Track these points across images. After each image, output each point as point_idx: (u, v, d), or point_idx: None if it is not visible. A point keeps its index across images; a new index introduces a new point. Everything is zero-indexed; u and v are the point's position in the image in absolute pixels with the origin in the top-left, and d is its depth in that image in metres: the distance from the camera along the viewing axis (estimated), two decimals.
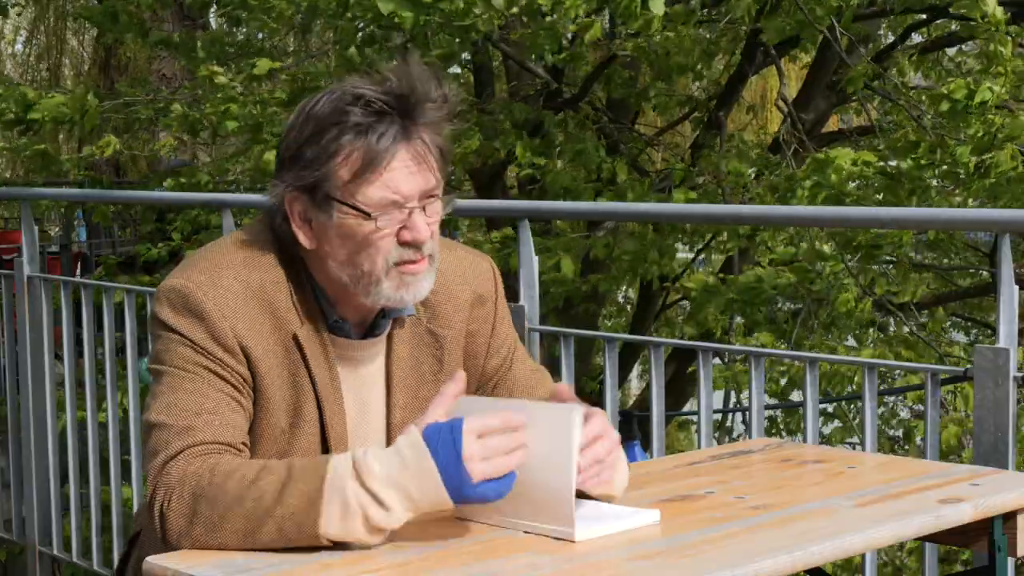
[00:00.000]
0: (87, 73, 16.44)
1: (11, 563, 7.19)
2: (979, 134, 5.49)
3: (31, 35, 18.34)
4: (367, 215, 1.91)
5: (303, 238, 1.96)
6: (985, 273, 8.40)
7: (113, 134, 7.98)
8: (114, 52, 14.94)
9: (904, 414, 9.08)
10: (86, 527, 4.71)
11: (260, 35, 8.75)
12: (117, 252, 9.00)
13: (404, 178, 1.92)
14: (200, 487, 1.79)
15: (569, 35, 7.35)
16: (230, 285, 1.94)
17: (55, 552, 4.72)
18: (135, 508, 4.34)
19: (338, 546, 1.76)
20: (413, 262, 1.95)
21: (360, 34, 7.03)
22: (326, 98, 1.94)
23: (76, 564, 4.69)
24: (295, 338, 1.96)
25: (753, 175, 7.10)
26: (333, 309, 2.00)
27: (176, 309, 1.93)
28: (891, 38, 8.65)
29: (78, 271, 10.87)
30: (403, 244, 1.94)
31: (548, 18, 6.26)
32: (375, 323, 2.04)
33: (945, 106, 5.42)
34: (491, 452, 1.76)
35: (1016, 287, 2.74)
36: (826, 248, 6.80)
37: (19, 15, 16.66)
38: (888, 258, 7.74)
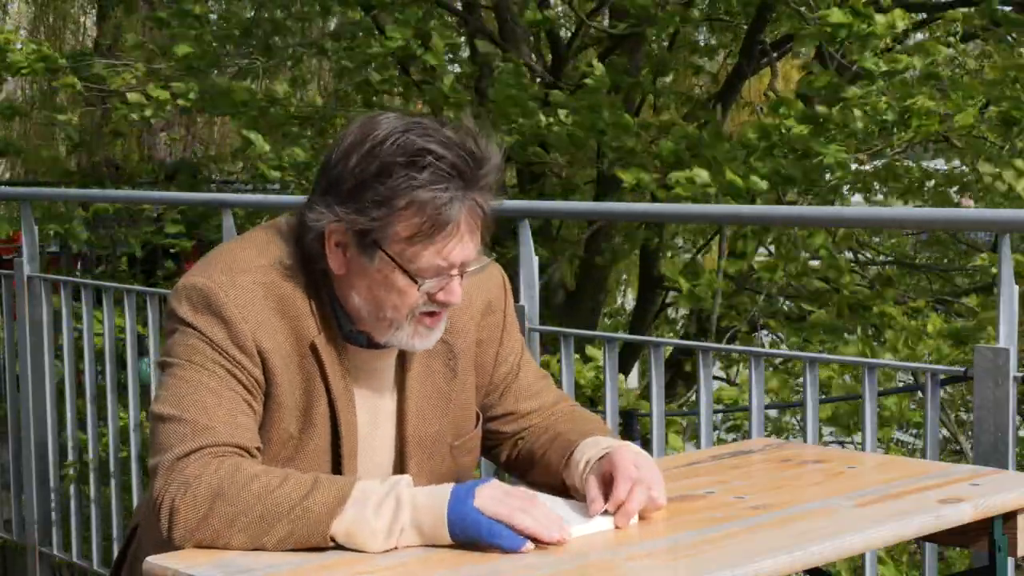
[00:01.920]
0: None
1: (11, 563, 7.19)
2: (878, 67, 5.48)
3: (31, 34, 18.34)
4: (413, 279, 1.90)
5: (334, 264, 1.94)
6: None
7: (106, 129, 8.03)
8: (112, 52, 14.92)
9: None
10: (86, 527, 4.71)
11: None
12: (117, 252, 9.00)
13: (456, 248, 1.90)
14: (221, 486, 1.79)
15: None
16: (252, 288, 1.93)
17: (55, 552, 4.72)
18: (134, 508, 4.34)
19: (340, 548, 1.76)
20: (435, 315, 1.96)
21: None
22: (395, 137, 1.88)
23: (76, 564, 4.69)
24: (312, 345, 1.95)
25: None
26: (349, 320, 1.99)
27: (196, 307, 1.92)
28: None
29: (78, 271, 10.86)
30: (432, 301, 1.94)
31: None
32: None
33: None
34: (505, 495, 1.79)
35: (1016, 287, 2.74)
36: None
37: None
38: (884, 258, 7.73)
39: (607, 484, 1.93)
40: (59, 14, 16.65)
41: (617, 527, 1.88)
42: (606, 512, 1.90)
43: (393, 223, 1.88)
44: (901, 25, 5.50)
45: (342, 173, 1.90)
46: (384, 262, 1.90)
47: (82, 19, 16.86)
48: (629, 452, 1.97)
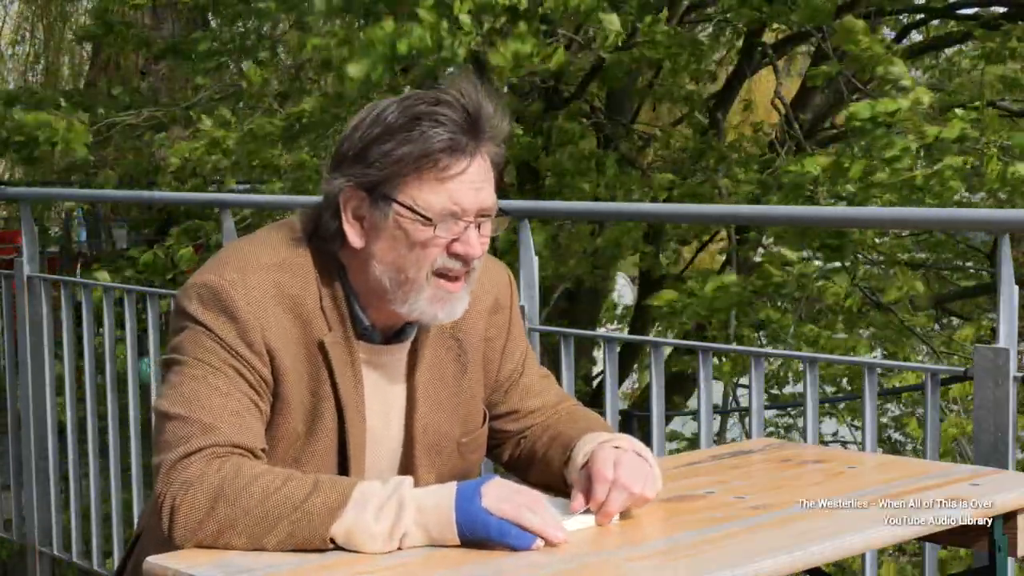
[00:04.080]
0: (87, 78, 16.44)
1: (11, 563, 7.19)
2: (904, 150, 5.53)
3: (29, 34, 18.36)
4: (427, 220, 1.91)
5: (352, 235, 1.95)
6: (985, 273, 8.40)
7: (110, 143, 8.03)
8: (102, 53, 14.92)
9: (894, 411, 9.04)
10: (86, 527, 4.71)
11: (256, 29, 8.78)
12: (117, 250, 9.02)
13: (466, 192, 1.92)
14: (222, 486, 1.79)
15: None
16: (263, 286, 1.93)
17: (55, 552, 4.72)
18: (135, 508, 4.34)
19: (340, 548, 1.76)
20: (455, 278, 1.95)
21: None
22: (397, 105, 1.94)
23: (76, 564, 4.69)
24: (321, 344, 1.96)
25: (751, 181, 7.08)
26: (364, 314, 2.00)
27: (206, 305, 1.92)
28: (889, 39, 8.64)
29: (78, 271, 10.87)
30: (452, 256, 1.94)
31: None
32: (402, 329, 2.04)
33: (854, 123, 5.46)
34: (512, 493, 1.79)
35: (1016, 287, 2.74)
36: (789, 252, 6.80)
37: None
38: (872, 256, 7.74)
39: (591, 483, 1.94)
40: (59, 14, 16.68)
41: (598, 524, 1.90)
42: (588, 511, 1.91)
43: (400, 170, 1.91)
44: (927, 101, 5.54)
45: (349, 145, 1.95)
46: (399, 212, 1.92)
47: (79, 48, 16.91)
48: (609, 452, 1.96)
